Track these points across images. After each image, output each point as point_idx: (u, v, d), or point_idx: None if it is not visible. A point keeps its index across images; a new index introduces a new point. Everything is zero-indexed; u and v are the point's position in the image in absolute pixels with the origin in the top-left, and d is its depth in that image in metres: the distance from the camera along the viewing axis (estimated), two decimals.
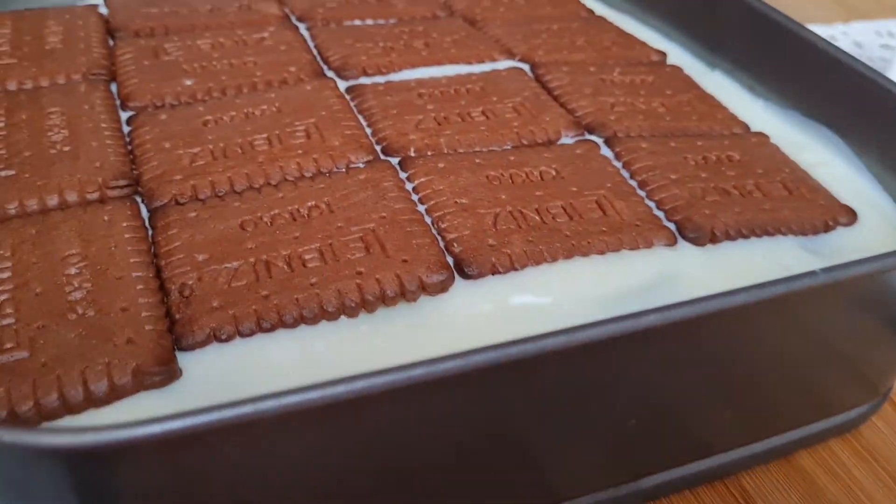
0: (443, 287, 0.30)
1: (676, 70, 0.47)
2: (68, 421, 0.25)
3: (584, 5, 0.54)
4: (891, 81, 0.38)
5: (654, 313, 0.24)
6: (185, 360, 0.27)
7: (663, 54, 0.48)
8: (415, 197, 0.34)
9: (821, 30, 0.62)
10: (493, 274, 0.31)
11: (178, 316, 0.28)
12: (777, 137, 0.41)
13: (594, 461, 0.29)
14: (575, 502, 0.30)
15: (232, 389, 0.27)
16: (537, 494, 0.30)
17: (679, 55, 0.49)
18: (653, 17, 0.52)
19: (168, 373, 0.27)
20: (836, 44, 0.42)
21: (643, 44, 0.49)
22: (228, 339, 0.28)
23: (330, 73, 0.42)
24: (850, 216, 0.37)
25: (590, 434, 0.28)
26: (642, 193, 0.36)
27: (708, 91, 0.45)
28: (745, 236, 0.35)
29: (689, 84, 0.45)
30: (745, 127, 0.42)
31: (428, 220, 0.33)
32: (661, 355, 0.26)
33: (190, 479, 0.23)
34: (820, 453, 0.35)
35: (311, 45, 0.45)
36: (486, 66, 0.44)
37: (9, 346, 0.26)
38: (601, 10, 0.54)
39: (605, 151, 0.38)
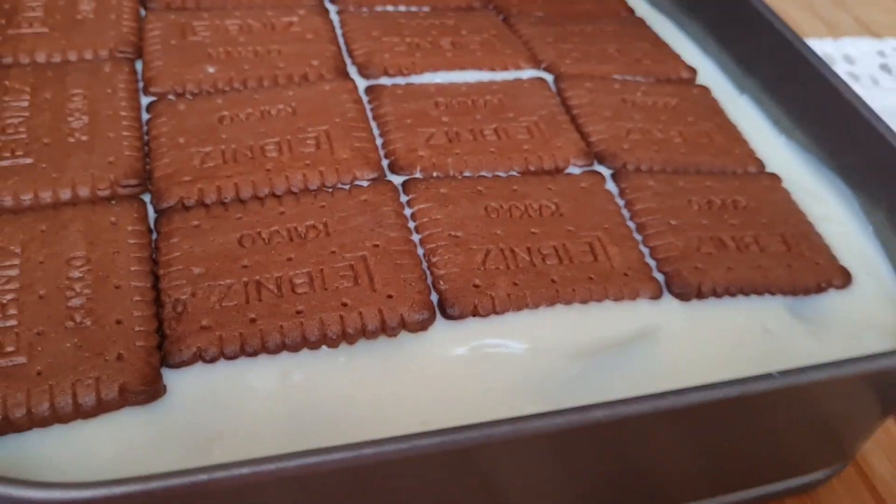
0: (423, 326, 0.31)
1: (704, 92, 0.46)
2: (56, 430, 0.28)
3: (625, 3, 0.52)
4: None
5: (602, 409, 0.25)
6: (170, 376, 0.29)
7: (693, 71, 0.47)
8: (412, 224, 0.35)
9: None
10: (473, 315, 0.32)
11: (168, 332, 0.30)
12: (791, 181, 0.41)
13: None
14: None
15: (211, 410, 0.29)
16: None
17: (712, 71, 0.48)
18: (691, 25, 0.51)
19: (153, 392, 0.28)
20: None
21: (676, 57, 0.48)
22: (213, 360, 0.30)
23: (352, 69, 0.42)
24: (845, 279, 0.37)
25: (537, 492, 0.29)
26: (639, 237, 0.36)
27: (732, 119, 0.44)
28: (732, 294, 0.35)
29: (714, 110, 0.45)
30: (761, 165, 0.42)
31: (420, 251, 0.34)
32: (608, 440, 0.27)
33: None
34: None
35: (339, 32, 0.45)
36: (510, 74, 0.44)
37: (10, 349, 0.28)
38: (642, 9, 0.53)
39: (611, 185, 0.39)
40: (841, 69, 0.59)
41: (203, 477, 0.22)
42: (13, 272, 0.31)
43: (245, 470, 0.22)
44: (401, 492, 0.26)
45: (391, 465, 0.24)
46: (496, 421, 0.24)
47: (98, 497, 0.21)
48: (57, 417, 0.28)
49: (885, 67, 0.60)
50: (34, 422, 0.27)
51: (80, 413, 0.28)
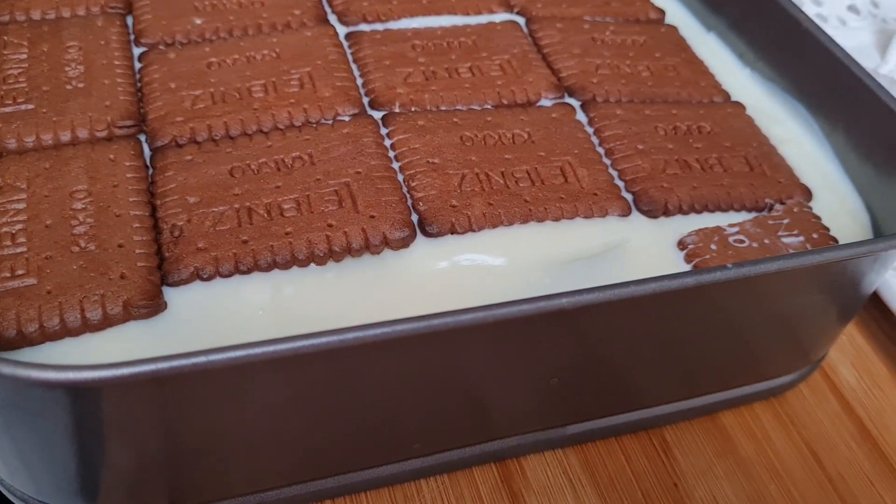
0: (404, 243, 0.34)
1: (671, 31, 0.48)
2: (68, 342, 0.30)
3: None
4: (861, 67, 0.39)
5: (567, 296, 0.27)
6: (170, 294, 0.31)
7: (662, 12, 0.49)
8: (391, 153, 0.37)
9: None
10: (452, 233, 0.34)
11: (167, 254, 0.32)
12: (754, 108, 0.43)
13: (522, 409, 0.34)
14: (506, 441, 0.35)
15: (210, 324, 0.31)
16: (478, 434, 0.34)
17: (679, 12, 0.50)
18: None
19: (154, 306, 0.31)
20: None
21: None
22: (209, 278, 0.32)
23: (332, 17, 0.44)
24: (806, 195, 0.39)
25: (514, 389, 0.32)
26: (608, 161, 0.39)
27: (698, 55, 0.46)
28: (698, 211, 0.37)
29: (681, 47, 0.47)
30: (726, 95, 0.44)
31: (400, 177, 0.36)
32: (576, 330, 0.29)
33: (166, 413, 0.27)
34: (743, 414, 0.39)
35: None
36: (483, 18, 0.46)
37: (20, 272, 0.31)
38: None
39: (581, 116, 0.41)
40: (809, 11, 0.61)
41: (202, 359, 0.24)
42: (21, 205, 0.33)
43: (240, 352, 0.24)
44: (381, 377, 0.28)
45: (372, 347, 0.26)
46: (467, 308, 0.26)
47: (109, 377, 0.24)
48: (67, 331, 0.30)
49: (852, 8, 0.62)
50: (46, 335, 0.30)
51: (88, 327, 0.30)
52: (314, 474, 0.33)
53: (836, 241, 0.37)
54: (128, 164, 0.35)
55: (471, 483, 0.35)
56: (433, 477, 0.35)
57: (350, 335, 0.25)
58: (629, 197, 0.37)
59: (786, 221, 0.37)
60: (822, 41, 0.41)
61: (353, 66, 0.41)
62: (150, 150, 0.36)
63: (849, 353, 0.43)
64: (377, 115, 0.39)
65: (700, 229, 0.35)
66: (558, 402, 0.34)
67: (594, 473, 0.36)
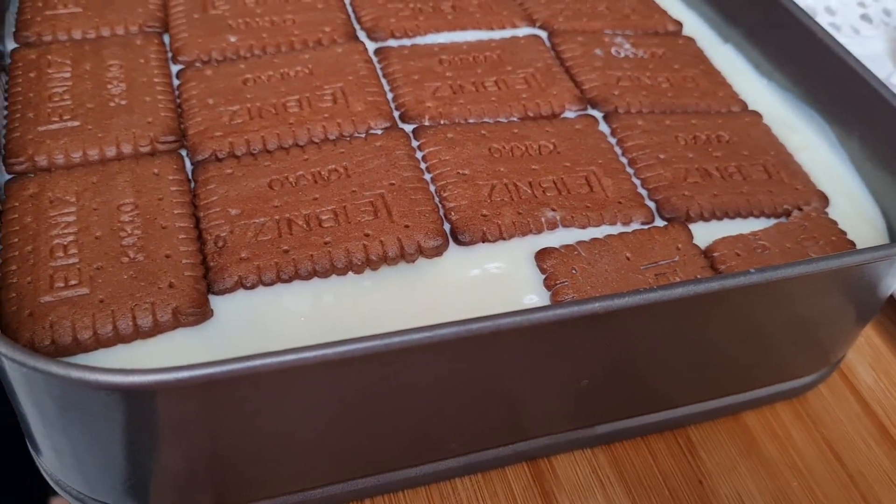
0: (438, 251, 0.35)
1: (689, 42, 0.49)
2: (120, 349, 0.31)
3: None
4: (874, 76, 0.41)
5: (599, 301, 0.28)
6: (216, 302, 0.33)
7: (679, 24, 0.51)
8: (423, 165, 0.38)
9: None
10: (483, 242, 0.36)
11: (212, 264, 0.34)
12: (771, 117, 0.44)
13: (553, 410, 0.35)
14: (538, 441, 0.36)
15: (254, 330, 0.33)
16: (511, 434, 0.36)
17: (696, 24, 0.52)
18: None
19: (202, 314, 0.32)
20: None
21: (662, 12, 0.51)
22: (253, 286, 0.33)
23: (361, 34, 0.46)
24: (823, 201, 0.40)
25: (546, 390, 0.33)
26: (631, 171, 0.40)
27: (716, 65, 0.48)
28: (719, 218, 0.39)
29: (699, 58, 0.48)
30: (743, 105, 0.45)
31: (432, 188, 0.37)
32: (607, 334, 0.31)
33: (215, 414, 0.29)
34: (765, 414, 0.40)
35: (347, 1, 0.48)
36: (507, 33, 0.47)
37: (73, 282, 0.32)
38: None
39: (603, 127, 0.42)
40: (823, 21, 0.62)
41: (256, 363, 0.25)
42: (71, 218, 0.34)
43: (292, 357, 0.26)
44: (420, 379, 0.30)
45: (414, 351, 0.27)
46: (505, 313, 0.28)
47: (171, 380, 0.25)
48: (119, 338, 0.31)
49: (865, 17, 0.63)
50: (100, 342, 0.31)
51: (140, 334, 0.31)
52: (355, 473, 0.34)
53: (853, 245, 0.38)
54: (171, 177, 0.36)
55: (504, 482, 0.36)
56: (468, 476, 0.36)
57: (395, 339, 0.27)
58: (652, 205, 0.38)
59: (805, 227, 0.38)
60: (835, 51, 0.42)
61: (383, 81, 0.43)
62: (192, 164, 0.38)
63: (867, 354, 0.44)
64: (408, 128, 0.40)
65: (724, 237, 0.37)
66: (588, 403, 0.35)
67: (622, 472, 0.37)
